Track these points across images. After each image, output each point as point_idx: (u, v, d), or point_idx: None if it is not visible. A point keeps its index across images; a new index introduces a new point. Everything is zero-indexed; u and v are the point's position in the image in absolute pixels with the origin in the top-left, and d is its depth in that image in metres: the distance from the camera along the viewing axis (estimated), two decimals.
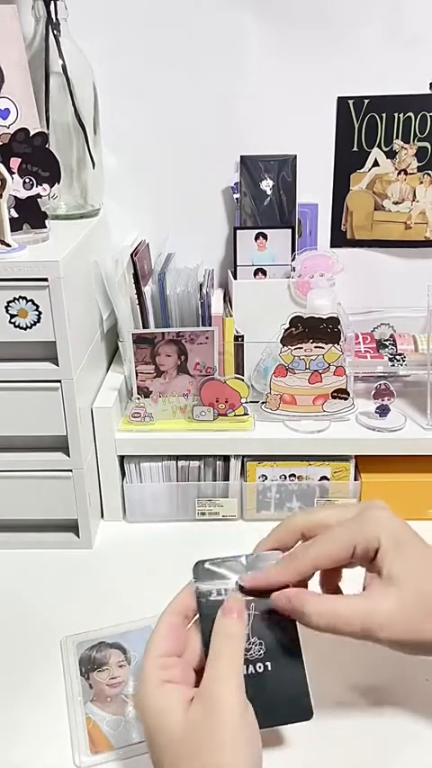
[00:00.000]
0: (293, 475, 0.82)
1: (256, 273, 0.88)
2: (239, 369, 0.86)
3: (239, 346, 0.85)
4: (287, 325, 0.79)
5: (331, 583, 0.55)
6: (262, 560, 0.52)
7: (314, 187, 0.90)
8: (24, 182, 0.70)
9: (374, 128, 0.87)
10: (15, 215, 0.70)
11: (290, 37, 0.84)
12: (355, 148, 0.88)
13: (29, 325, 0.68)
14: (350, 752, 0.54)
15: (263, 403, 0.83)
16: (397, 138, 0.87)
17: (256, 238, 0.87)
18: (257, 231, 0.87)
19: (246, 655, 0.49)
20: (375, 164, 0.89)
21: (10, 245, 0.68)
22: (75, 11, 0.78)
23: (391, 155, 0.88)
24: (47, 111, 0.79)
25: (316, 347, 0.80)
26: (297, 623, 0.51)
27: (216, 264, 0.95)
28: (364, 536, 0.50)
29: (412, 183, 0.89)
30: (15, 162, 0.69)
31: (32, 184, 0.70)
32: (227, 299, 0.90)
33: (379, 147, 0.88)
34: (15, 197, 0.70)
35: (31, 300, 0.67)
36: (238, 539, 0.81)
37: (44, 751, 0.55)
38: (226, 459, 0.82)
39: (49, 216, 0.72)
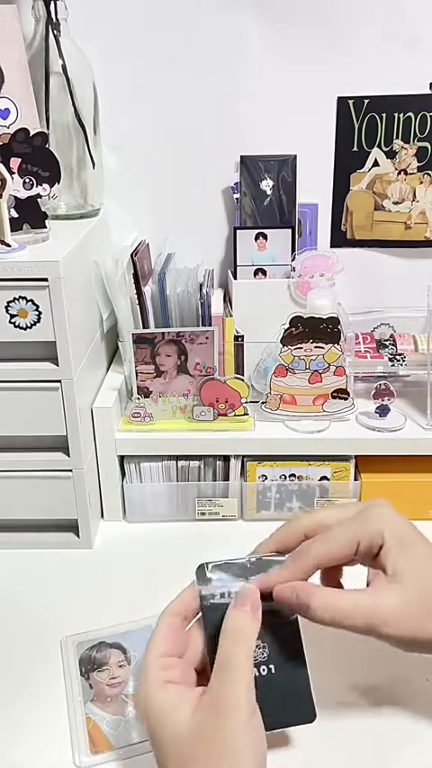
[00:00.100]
0: (293, 475, 0.82)
1: (256, 273, 0.88)
2: (239, 369, 0.86)
3: (239, 346, 0.85)
4: (287, 325, 0.79)
5: (332, 579, 0.55)
6: (266, 562, 0.52)
7: (314, 187, 0.90)
8: (24, 182, 0.70)
9: (374, 128, 0.87)
10: (15, 215, 0.70)
11: (290, 37, 0.84)
12: (355, 148, 0.88)
13: (29, 325, 0.68)
14: (351, 752, 0.54)
15: (263, 403, 0.83)
16: (397, 138, 0.87)
17: (256, 238, 0.87)
18: (257, 231, 0.87)
19: None
20: (375, 164, 0.89)
21: (10, 245, 0.68)
22: (75, 11, 0.78)
23: (391, 155, 0.88)
24: (47, 111, 0.79)
25: (316, 347, 0.80)
26: (300, 626, 0.51)
27: (216, 264, 0.95)
28: (368, 533, 0.50)
29: (412, 183, 0.89)
30: (15, 162, 0.69)
31: (32, 184, 0.70)
32: (227, 299, 0.90)
33: (379, 147, 0.88)
34: (15, 197, 0.70)
35: (31, 300, 0.67)
36: (238, 539, 0.81)
37: (44, 751, 0.55)
38: (226, 459, 0.82)
39: (49, 216, 0.72)
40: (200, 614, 0.50)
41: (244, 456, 0.82)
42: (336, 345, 0.80)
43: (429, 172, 0.89)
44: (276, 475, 0.82)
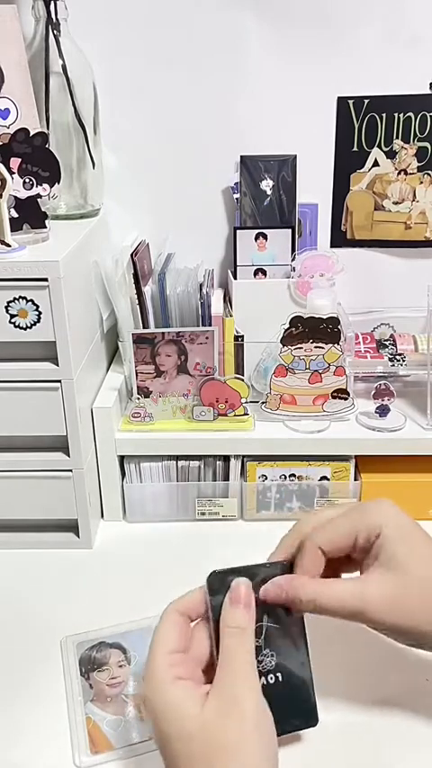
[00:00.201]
0: (293, 475, 0.82)
1: (256, 273, 0.88)
2: (239, 369, 0.86)
3: (239, 346, 0.85)
4: (287, 325, 0.79)
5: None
6: (276, 568, 0.52)
7: (314, 187, 0.90)
8: (24, 182, 0.70)
9: (374, 128, 0.87)
10: (15, 215, 0.70)
11: (290, 37, 0.84)
12: (355, 148, 0.88)
13: (29, 325, 0.68)
14: (350, 752, 0.54)
15: (263, 403, 0.83)
16: (397, 138, 0.87)
17: (256, 238, 0.87)
18: (257, 231, 0.87)
19: (258, 666, 0.48)
20: (375, 164, 0.89)
21: (10, 245, 0.68)
22: (75, 11, 0.78)
23: (391, 155, 0.88)
24: (47, 111, 0.79)
25: (316, 347, 0.80)
26: (306, 634, 0.52)
27: (216, 264, 0.95)
28: (366, 524, 0.51)
29: (412, 183, 0.89)
30: (15, 162, 0.69)
31: (32, 184, 0.70)
32: (227, 299, 0.90)
33: (379, 147, 0.88)
34: (15, 197, 0.70)
35: (31, 300, 0.67)
36: (238, 539, 0.81)
37: (44, 751, 0.55)
38: (226, 459, 0.82)
39: (49, 216, 0.72)
40: (205, 613, 0.50)
41: (244, 456, 0.82)
42: (336, 345, 0.80)
43: (429, 172, 0.89)
44: (276, 475, 0.82)
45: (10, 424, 0.73)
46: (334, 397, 0.82)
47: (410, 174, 0.89)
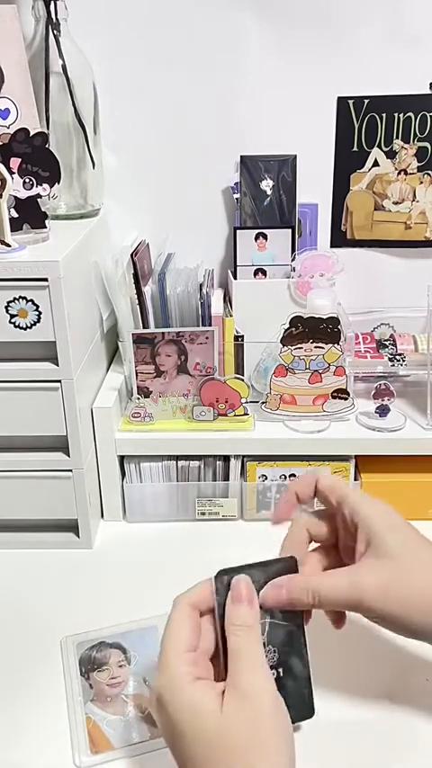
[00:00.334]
0: (293, 475, 0.82)
1: (256, 273, 0.88)
2: (239, 369, 0.86)
3: (239, 346, 0.85)
4: (287, 325, 0.79)
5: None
6: (280, 567, 0.52)
7: (314, 187, 0.90)
8: (24, 182, 0.70)
9: (374, 128, 0.87)
10: (15, 215, 0.70)
11: (290, 37, 0.84)
12: (355, 148, 0.88)
13: (29, 325, 0.68)
14: (350, 752, 0.54)
15: (263, 403, 0.83)
16: (397, 138, 0.87)
17: (256, 238, 0.87)
18: (257, 231, 0.87)
19: None
20: (375, 164, 0.89)
21: (10, 245, 0.68)
22: (75, 11, 0.78)
23: (391, 155, 0.88)
24: (47, 111, 0.79)
25: (316, 347, 0.80)
26: (305, 631, 0.52)
27: (216, 264, 0.95)
28: (347, 507, 0.54)
29: (412, 183, 0.89)
30: (15, 162, 0.69)
31: (32, 184, 0.70)
32: (227, 299, 0.90)
33: (379, 147, 0.88)
34: (15, 197, 0.70)
35: (31, 300, 0.67)
36: (238, 539, 0.81)
37: (44, 751, 0.55)
38: (226, 459, 0.82)
39: (49, 216, 0.72)
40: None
41: (244, 456, 0.82)
42: (336, 345, 0.80)
43: (429, 172, 0.89)
44: (276, 475, 0.82)
45: (10, 424, 0.73)
46: (334, 397, 0.82)
47: (410, 174, 0.89)
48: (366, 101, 0.86)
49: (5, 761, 0.54)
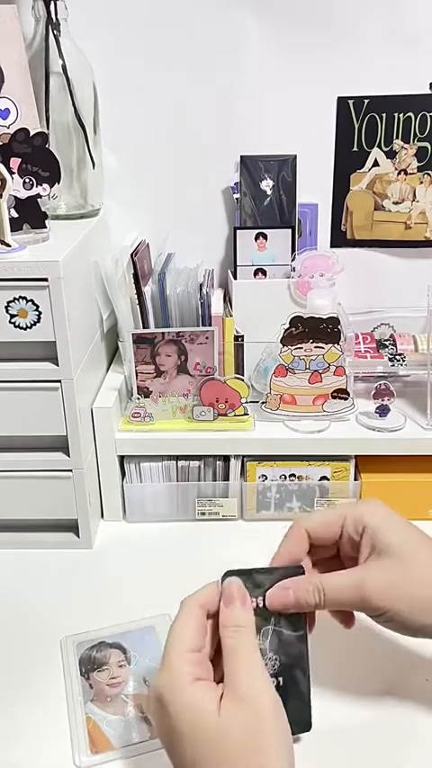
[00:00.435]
0: (293, 475, 0.82)
1: (256, 273, 0.88)
2: (239, 369, 0.86)
3: (239, 346, 0.85)
4: (287, 325, 0.79)
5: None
6: (286, 573, 0.52)
7: (314, 187, 0.90)
8: (24, 182, 0.70)
9: (374, 128, 0.87)
10: (15, 215, 0.70)
11: (290, 37, 0.84)
12: (355, 148, 0.88)
13: (29, 325, 0.68)
14: (350, 752, 0.54)
15: (263, 403, 0.83)
16: (397, 138, 0.87)
17: (256, 238, 0.87)
18: (257, 231, 0.87)
19: None
20: (375, 164, 0.89)
21: (10, 245, 0.68)
22: (75, 11, 0.78)
23: (391, 155, 0.88)
24: (47, 111, 0.79)
25: (316, 347, 0.80)
26: (308, 640, 0.52)
27: (216, 264, 0.95)
28: (353, 513, 0.53)
29: (412, 183, 0.89)
30: (15, 162, 0.69)
31: (32, 184, 0.70)
32: (227, 299, 0.90)
33: (379, 147, 0.88)
34: (15, 197, 0.70)
35: (31, 300, 0.67)
36: (238, 539, 0.81)
37: (44, 751, 0.55)
38: (226, 459, 0.82)
39: (49, 216, 0.72)
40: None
41: (244, 456, 0.82)
42: (336, 345, 0.80)
43: (429, 172, 0.89)
44: (276, 475, 0.82)
45: (10, 424, 0.73)
46: (334, 397, 0.82)
47: (410, 174, 0.89)
48: (366, 101, 0.86)
49: (5, 761, 0.54)
